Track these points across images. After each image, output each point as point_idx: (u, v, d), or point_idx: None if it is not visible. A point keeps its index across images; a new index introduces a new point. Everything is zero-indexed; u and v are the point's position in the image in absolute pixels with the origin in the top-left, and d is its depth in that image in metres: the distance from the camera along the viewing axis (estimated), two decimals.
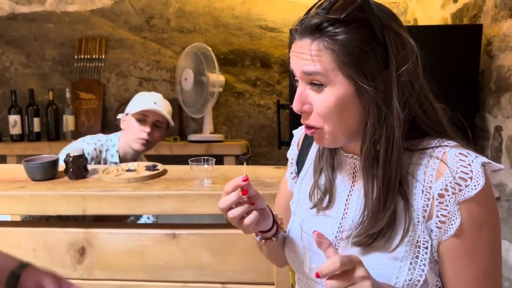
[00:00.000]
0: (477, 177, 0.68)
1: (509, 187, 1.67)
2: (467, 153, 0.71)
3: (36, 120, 2.71)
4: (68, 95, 2.74)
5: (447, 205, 0.69)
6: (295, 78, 0.76)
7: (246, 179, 0.75)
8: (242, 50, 2.86)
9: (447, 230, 0.70)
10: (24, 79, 3.00)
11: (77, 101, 2.86)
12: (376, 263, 0.72)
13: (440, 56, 1.89)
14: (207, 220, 1.44)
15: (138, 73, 2.94)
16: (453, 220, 0.69)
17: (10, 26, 2.99)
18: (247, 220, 0.76)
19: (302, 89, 0.74)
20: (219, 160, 2.60)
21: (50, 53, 2.98)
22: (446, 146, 0.73)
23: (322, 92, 0.72)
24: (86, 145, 1.79)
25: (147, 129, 1.75)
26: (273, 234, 0.86)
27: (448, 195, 0.69)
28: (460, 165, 0.69)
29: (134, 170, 1.42)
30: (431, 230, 0.71)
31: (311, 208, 0.86)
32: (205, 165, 1.32)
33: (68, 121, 2.74)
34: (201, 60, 2.57)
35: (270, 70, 2.88)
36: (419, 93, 0.73)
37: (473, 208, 0.68)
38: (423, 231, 0.71)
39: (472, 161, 0.69)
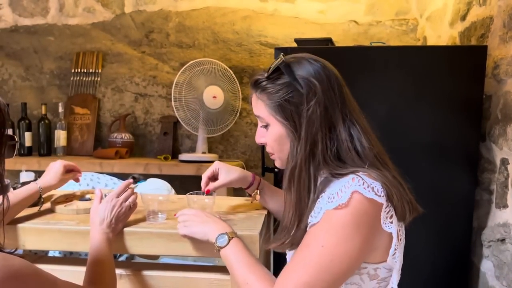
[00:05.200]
0: (342, 196, 0.83)
1: None
2: (359, 180, 0.84)
3: (27, 135, 2.66)
4: (61, 109, 2.67)
5: (320, 206, 0.87)
6: None
7: None
8: (240, 67, 2.75)
9: (310, 222, 0.88)
10: (21, 92, 2.96)
11: (71, 116, 2.80)
12: None
13: (443, 79, 1.72)
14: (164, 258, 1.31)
15: (134, 88, 2.86)
16: (315, 217, 0.87)
17: (11, 38, 2.98)
18: None
19: (260, 126, 1.01)
20: None
21: (48, 67, 2.95)
22: (357, 174, 0.86)
23: (267, 130, 0.98)
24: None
25: None
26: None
27: (323, 199, 0.87)
28: (342, 185, 0.85)
29: (89, 199, 1.30)
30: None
31: None
32: (160, 197, 1.19)
33: (60, 136, 2.67)
34: (232, 81, 2.56)
35: None
36: (331, 125, 0.91)
37: (328, 216, 0.84)
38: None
39: (349, 186, 0.83)
